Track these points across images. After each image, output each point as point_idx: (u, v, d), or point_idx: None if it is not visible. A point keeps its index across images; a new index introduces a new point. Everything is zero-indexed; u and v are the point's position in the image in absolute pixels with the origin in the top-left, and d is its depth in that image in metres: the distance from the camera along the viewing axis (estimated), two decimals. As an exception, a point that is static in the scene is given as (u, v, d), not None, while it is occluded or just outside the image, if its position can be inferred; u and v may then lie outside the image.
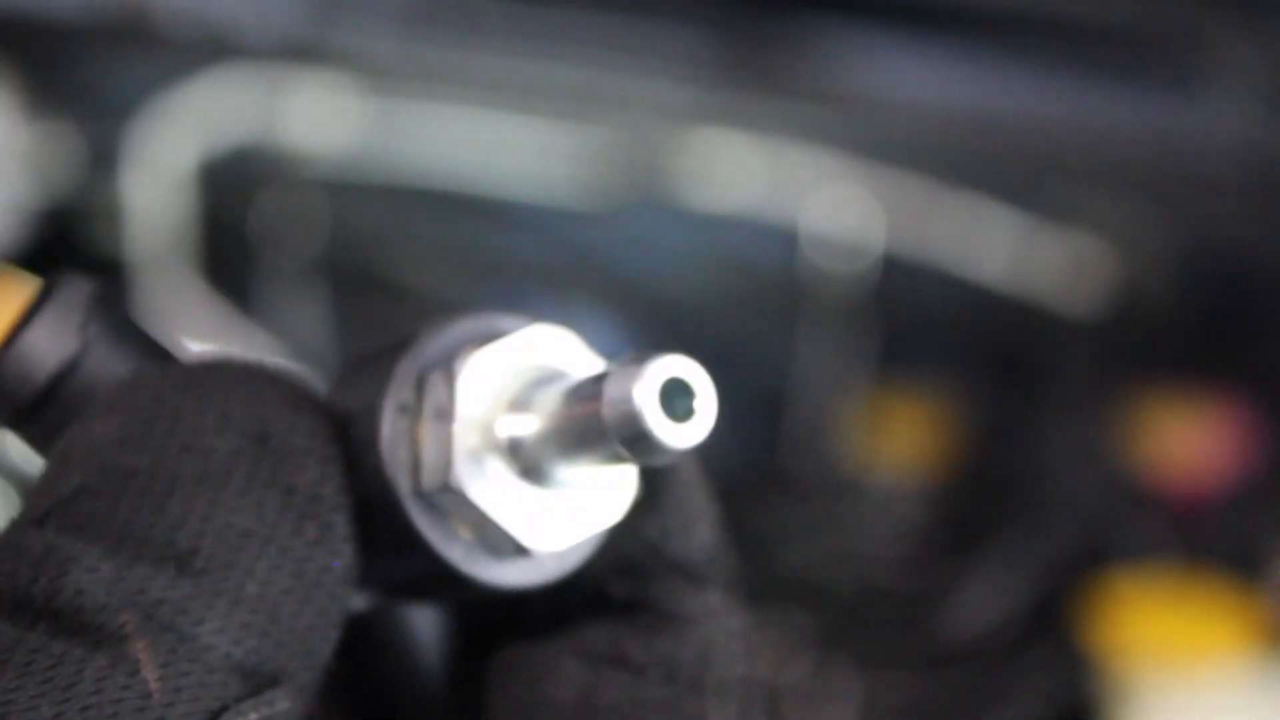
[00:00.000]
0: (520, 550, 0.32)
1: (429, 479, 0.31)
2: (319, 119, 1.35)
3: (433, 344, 0.32)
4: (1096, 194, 1.43)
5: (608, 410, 0.30)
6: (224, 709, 0.28)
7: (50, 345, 0.33)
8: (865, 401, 1.42)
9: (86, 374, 0.33)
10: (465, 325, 0.33)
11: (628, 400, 0.30)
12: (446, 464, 0.31)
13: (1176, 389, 1.39)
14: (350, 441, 0.31)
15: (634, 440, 0.30)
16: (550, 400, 0.32)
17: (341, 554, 0.30)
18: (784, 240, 1.40)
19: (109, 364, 0.33)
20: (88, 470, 0.30)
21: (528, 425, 0.32)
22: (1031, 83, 1.37)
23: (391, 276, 1.36)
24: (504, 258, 1.41)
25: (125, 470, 0.30)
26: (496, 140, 1.40)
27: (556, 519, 0.32)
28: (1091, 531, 1.32)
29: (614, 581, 0.33)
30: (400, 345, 0.32)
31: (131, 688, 0.27)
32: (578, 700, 0.32)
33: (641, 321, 1.41)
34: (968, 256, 1.41)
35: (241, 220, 1.35)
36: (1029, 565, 1.28)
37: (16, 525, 0.30)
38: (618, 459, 0.31)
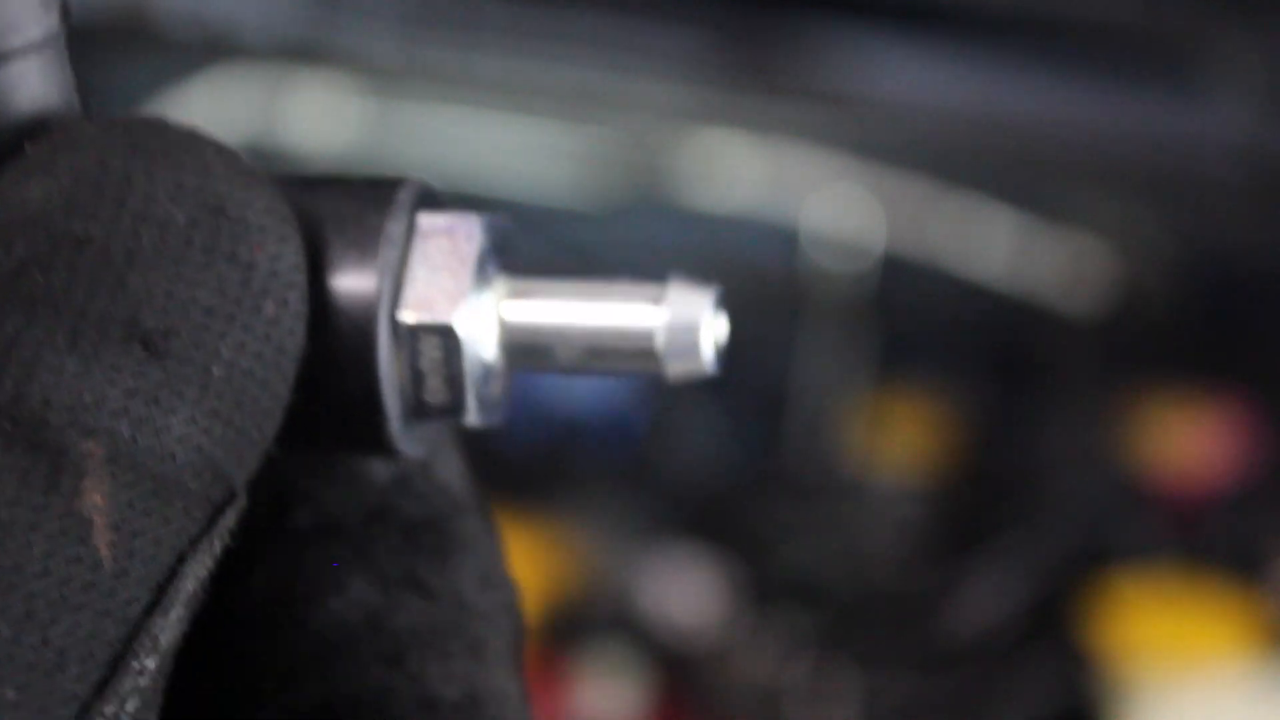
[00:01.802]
0: (456, 419, 0.31)
1: (428, 405, 0.31)
2: (319, 119, 1.35)
3: (409, 201, 0.31)
4: (1096, 194, 1.44)
5: (671, 314, 0.31)
6: (179, 560, 0.27)
7: (15, 15, 0.29)
8: (865, 402, 1.42)
9: (31, 94, 0.29)
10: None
11: (696, 311, 0.31)
12: (457, 403, 0.31)
13: (1176, 389, 1.39)
14: (319, 254, 0.30)
15: (681, 349, 0.31)
16: (580, 293, 0.32)
17: (296, 333, 0.29)
18: (784, 240, 1.40)
19: (45, 93, 0.29)
20: (33, 239, 0.27)
21: (538, 315, 0.32)
22: (1031, 83, 1.37)
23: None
24: (504, 258, 1.41)
25: (76, 239, 0.27)
26: (496, 140, 1.40)
27: (497, 398, 0.32)
28: (1091, 531, 1.32)
29: (398, 495, 0.33)
30: (380, 201, 0.31)
31: (82, 560, 0.25)
32: (368, 622, 0.31)
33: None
34: (968, 256, 1.41)
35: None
36: (1029, 565, 1.28)
37: None
38: (636, 363, 0.31)
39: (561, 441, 1.37)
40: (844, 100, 1.37)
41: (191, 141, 0.29)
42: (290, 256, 0.29)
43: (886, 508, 1.37)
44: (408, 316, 0.30)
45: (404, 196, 0.31)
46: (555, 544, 1.29)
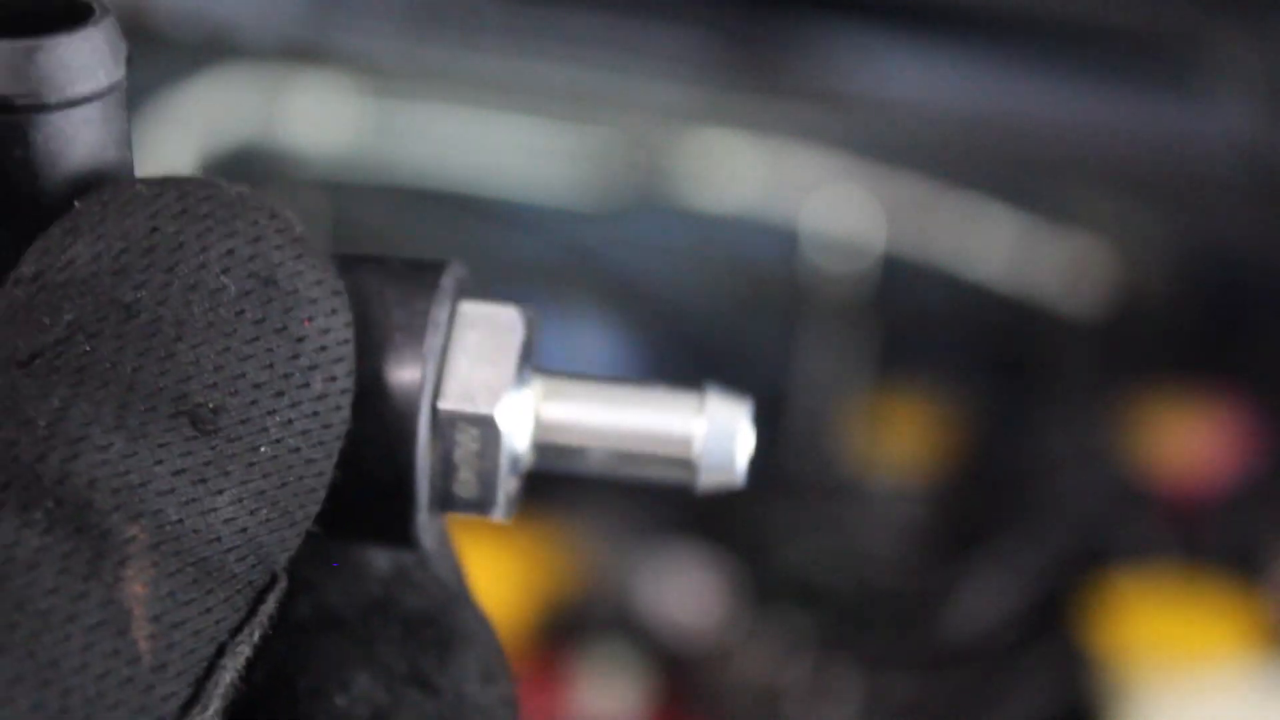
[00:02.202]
0: (482, 514, 0.31)
1: (458, 499, 0.30)
2: (319, 119, 1.35)
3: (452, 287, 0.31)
4: (1096, 194, 1.43)
5: (708, 430, 0.31)
6: (219, 653, 0.26)
7: (90, 61, 0.27)
8: (865, 401, 1.42)
9: (88, 144, 0.28)
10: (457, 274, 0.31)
11: (730, 440, 0.31)
12: (488, 500, 0.30)
13: (1176, 389, 1.39)
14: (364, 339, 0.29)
15: (715, 465, 0.31)
16: (618, 396, 0.31)
17: (343, 409, 0.28)
18: (784, 240, 1.40)
19: (103, 145, 0.28)
20: (79, 305, 0.26)
21: (575, 416, 0.31)
22: (1031, 83, 1.37)
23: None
24: (504, 258, 1.41)
25: (124, 306, 0.26)
26: (496, 140, 1.40)
27: (515, 496, 0.32)
28: (1091, 531, 1.32)
29: (398, 588, 0.32)
30: (427, 287, 0.30)
31: (120, 653, 0.24)
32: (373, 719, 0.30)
33: (641, 321, 1.41)
34: (968, 256, 1.41)
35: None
36: (1029, 565, 1.28)
37: None
38: (666, 471, 0.31)
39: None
40: (844, 100, 1.37)
41: (244, 206, 0.28)
42: (339, 330, 0.28)
43: (886, 508, 1.37)
44: (449, 405, 0.30)
45: (448, 282, 0.31)
46: (555, 544, 1.29)
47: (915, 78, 1.37)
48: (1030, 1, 1.36)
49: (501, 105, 1.39)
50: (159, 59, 1.31)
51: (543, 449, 0.32)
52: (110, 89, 0.28)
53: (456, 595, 0.33)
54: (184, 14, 1.28)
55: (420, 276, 0.31)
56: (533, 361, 0.32)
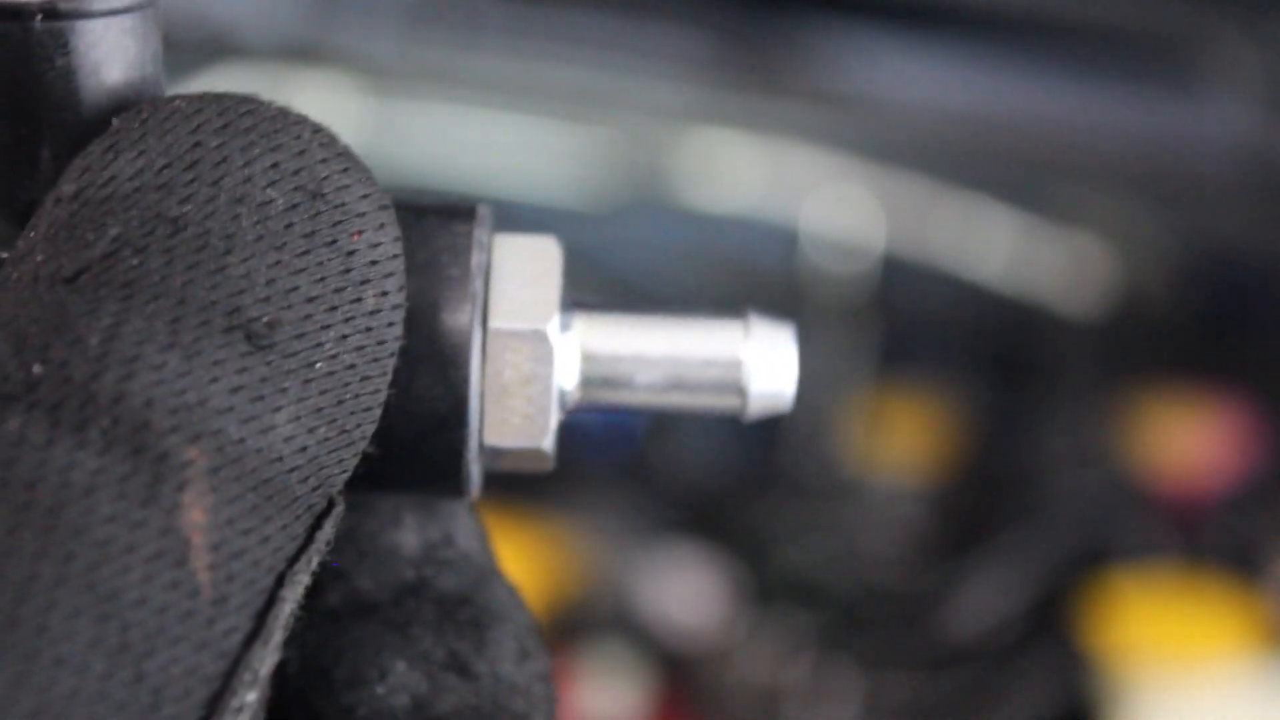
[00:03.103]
0: (541, 460, 0.30)
1: (508, 426, 0.30)
2: (319, 119, 1.34)
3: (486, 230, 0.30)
4: (1096, 194, 1.43)
5: (757, 352, 0.30)
6: (279, 583, 0.25)
7: None
8: (865, 401, 1.42)
9: (126, 59, 0.28)
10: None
11: (782, 349, 0.30)
12: (539, 427, 0.30)
13: (1176, 389, 1.39)
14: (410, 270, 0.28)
15: (766, 386, 0.30)
16: (664, 323, 0.31)
17: (395, 324, 0.27)
18: (784, 240, 1.40)
19: (140, 60, 0.28)
20: (124, 220, 0.25)
21: (621, 343, 0.31)
22: (1031, 83, 1.37)
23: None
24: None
25: (171, 221, 0.25)
26: (496, 140, 1.40)
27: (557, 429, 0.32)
28: (1091, 531, 1.32)
29: (429, 567, 0.32)
30: (463, 222, 0.30)
31: (180, 585, 0.23)
32: (414, 708, 0.30)
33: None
34: (968, 256, 1.41)
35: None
36: (1029, 565, 1.28)
37: (39, 283, 0.25)
38: (717, 399, 0.31)
39: (561, 441, 1.36)
40: (844, 100, 1.37)
41: (286, 120, 0.27)
42: (389, 245, 0.27)
43: (886, 508, 1.37)
44: (501, 323, 0.30)
45: (484, 211, 0.30)
46: (555, 544, 1.29)
47: (915, 78, 1.37)
48: (1030, 1, 1.36)
49: (501, 105, 1.39)
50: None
51: (590, 382, 0.31)
52: (150, 2, 0.28)
53: (486, 571, 0.33)
54: (184, 14, 1.28)
55: (455, 206, 0.30)
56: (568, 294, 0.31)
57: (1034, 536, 1.30)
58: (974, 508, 1.36)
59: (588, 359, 0.31)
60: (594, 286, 1.41)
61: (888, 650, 1.26)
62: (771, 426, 1.41)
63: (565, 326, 0.31)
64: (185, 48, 1.30)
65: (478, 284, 0.29)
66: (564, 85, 1.37)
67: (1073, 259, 1.41)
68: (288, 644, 0.28)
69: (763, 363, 0.31)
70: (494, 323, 0.30)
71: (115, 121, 0.27)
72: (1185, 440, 1.36)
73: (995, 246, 1.40)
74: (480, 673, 0.31)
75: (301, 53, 1.34)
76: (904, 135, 1.40)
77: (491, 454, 0.31)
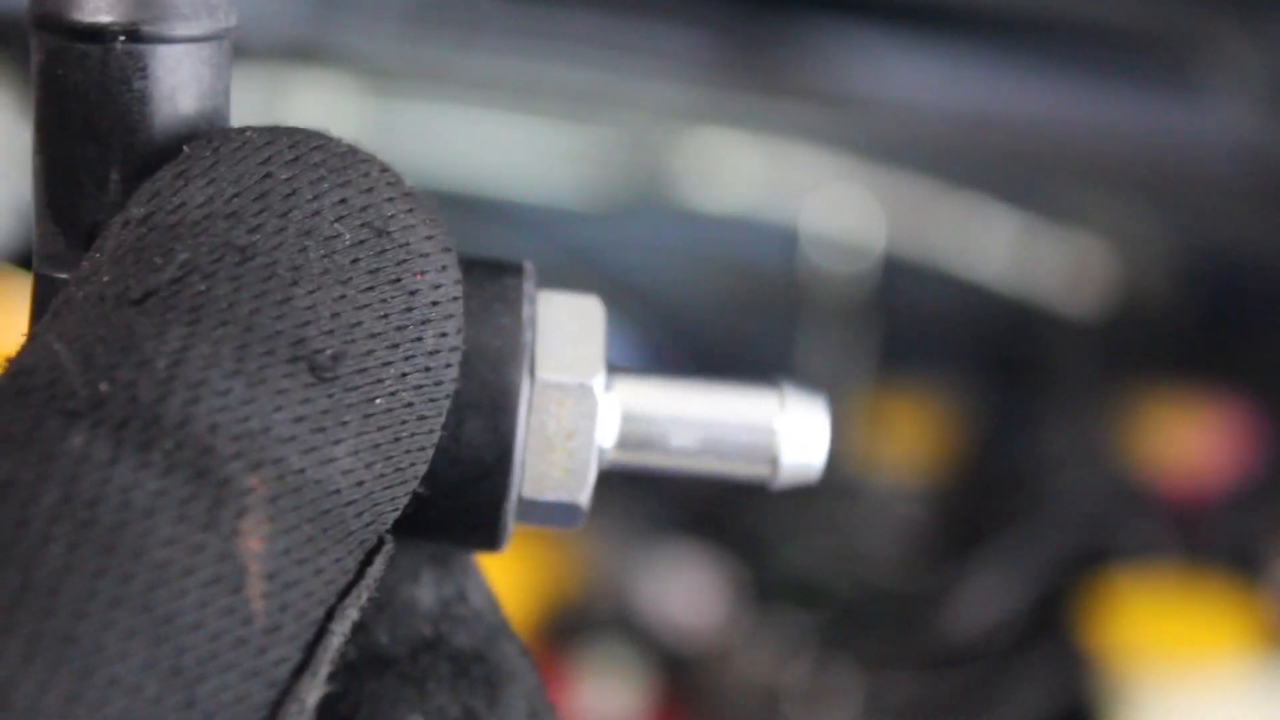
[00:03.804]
0: (574, 516, 0.31)
1: (548, 479, 0.30)
2: (319, 119, 1.34)
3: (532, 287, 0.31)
4: (1096, 194, 1.43)
5: (790, 422, 0.31)
6: (329, 616, 0.25)
7: (214, 0, 0.28)
8: (865, 401, 1.42)
9: (201, 88, 0.28)
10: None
11: (816, 421, 0.31)
12: (579, 480, 0.30)
13: (1176, 389, 1.39)
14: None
15: (798, 456, 0.31)
16: (700, 389, 0.31)
17: (452, 367, 0.27)
18: (784, 240, 1.40)
19: (214, 90, 0.28)
20: (193, 246, 0.25)
21: (659, 404, 0.31)
22: (1031, 83, 1.37)
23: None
24: (504, 258, 1.41)
25: (240, 250, 0.25)
26: (496, 140, 1.40)
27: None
28: (1091, 531, 1.32)
29: (445, 624, 0.32)
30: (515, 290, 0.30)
31: (235, 612, 0.23)
32: None
33: (641, 321, 1.41)
34: (968, 256, 1.41)
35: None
36: (1029, 565, 1.29)
37: (106, 303, 0.25)
38: (748, 466, 0.31)
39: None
40: (844, 100, 1.37)
41: (355, 157, 0.27)
42: (450, 287, 0.27)
43: (886, 508, 1.37)
44: (548, 375, 0.30)
45: (530, 267, 0.31)
46: (556, 544, 1.29)
47: (915, 78, 1.37)
48: (1030, 1, 1.36)
49: (501, 105, 1.39)
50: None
51: (627, 442, 0.31)
52: (226, 32, 0.28)
53: (498, 629, 0.33)
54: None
55: (502, 261, 0.31)
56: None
57: (1034, 536, 1.30)
58: (974, 508, 1.36)
59: (627, 419, 0.31)
60: (594, 286, 1.41)
61: (888, 650, 1.26)
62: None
63: (607, 384, 0.31)
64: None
65: (528, 335, 0.30)
66: (564, 85, 1.37)
67: (1073, 259, 1.41)
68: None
69: (796, 434, 0.31)
70: (541, 375, 0.30)
71: (186, 149, 0.27)
72: (1185, 440, 1.37)
73: (995, 246, 1.40)
74: None
75: (301, 53, 1.34)
76: (904, 135, 1.40)
77: (526, 507, 0.31)
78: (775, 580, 1.30)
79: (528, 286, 0.30)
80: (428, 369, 0.27)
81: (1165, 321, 1.42)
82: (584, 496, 0.30)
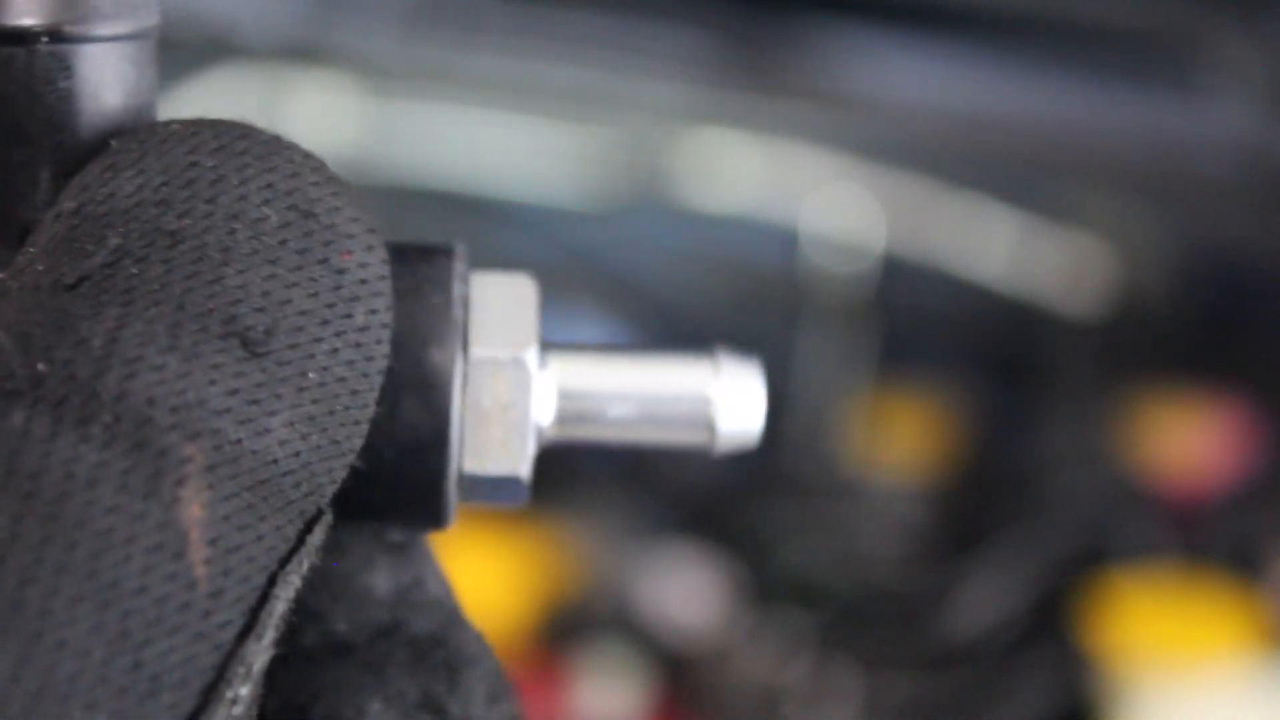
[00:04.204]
0: (517, 490, 0.31)
1: (487, 453, 0.31)
2: (319, 119, 1.35)
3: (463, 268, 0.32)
4: (1096, 194, 1.43)
5: (725, 387, 0.31)
6: (271, 582, 0.26)
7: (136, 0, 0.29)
8: (865, 402, 1.42)
9: (125, 85, 0.29)
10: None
11: (750, 386, 0.32)
12: (518, 453, 0.31)
13: (1176, 389, 1.39)
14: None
15: (734, 422, 0.32)
16: (634, 360, 0.32)
17: (383, 343, 0.28)
18: (784, 240, 1.40)
19: (138, 87, 0.29)
20: (123, 232, 0.26)
21: (594, 380, 0.32)
22: (1031, 83, 1.37)
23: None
24: (504, 258, 1.41)
25: (170, 234, 0.26)
26: (496, 140, 1.40)
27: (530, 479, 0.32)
28: (1091, 531, 1.32)
29: (402, 610, 0.32)
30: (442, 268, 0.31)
31: (178, 577, 0.24)
32: None
33: (641, 321, 1.41)
34: (968, 256, 1.41)
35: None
36: (1029, 565, 1.28)
37: (41, 291, 0.26)
38: (687, 434, 0.32)
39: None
40: (844, 100, 1.37)
41: (279, 144, 0.28)
42: (378, 265, 0.28)
43: (886, 508, 1.37)
44: (481, 351, 0.31)
45: (461, 249, 0.31)
46: (555, 544, 1.29)
47: (915, 78, 1.37)
48: (1030, 1, 1.36)
49: (501, 105, 1.39)
50: (159, 59, 1.31)
51: (565, 418, 0.32)
52: (150, 30, 0.29)
53: (455, 615, 0.33)
54: (184, 14, 1.28)
55: (432, 245, 0.32)
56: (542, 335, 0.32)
57: (1034, 536, 1.30)
58: (974, 508, 1.36)
59: (563, 395, 0.32)
60: (594, 286, 1.41)
61: (888, 650, 1.26)
62: (771, 426, 1.41)
63: (542, 361, 0.32)
64: (185, 48, 1.30)
65: (459, 313, 0.30)
66: (564, 85, 1.37)
67: (1073, 259, 1.41)
68: (268, 687, 0.28)
69: (731, 400, 0.32)
70: (475, 350, 0.31)
71: (114, 143, 0.28)
72: (1185, 440, 1.36)
73: (995, 246, 1.40)
74: (453, 714, 0.31)
75: (301, 53, 1.34)
76: (904, 135, 1.40)
77: (469, 483, 0.32)
78: (775, 580, 1.30)
79: (459, 267, 0.31)
80: (358, 344, 0.28)
81: (1165, 321, 1.42)
82: (524, 468, 0.31)
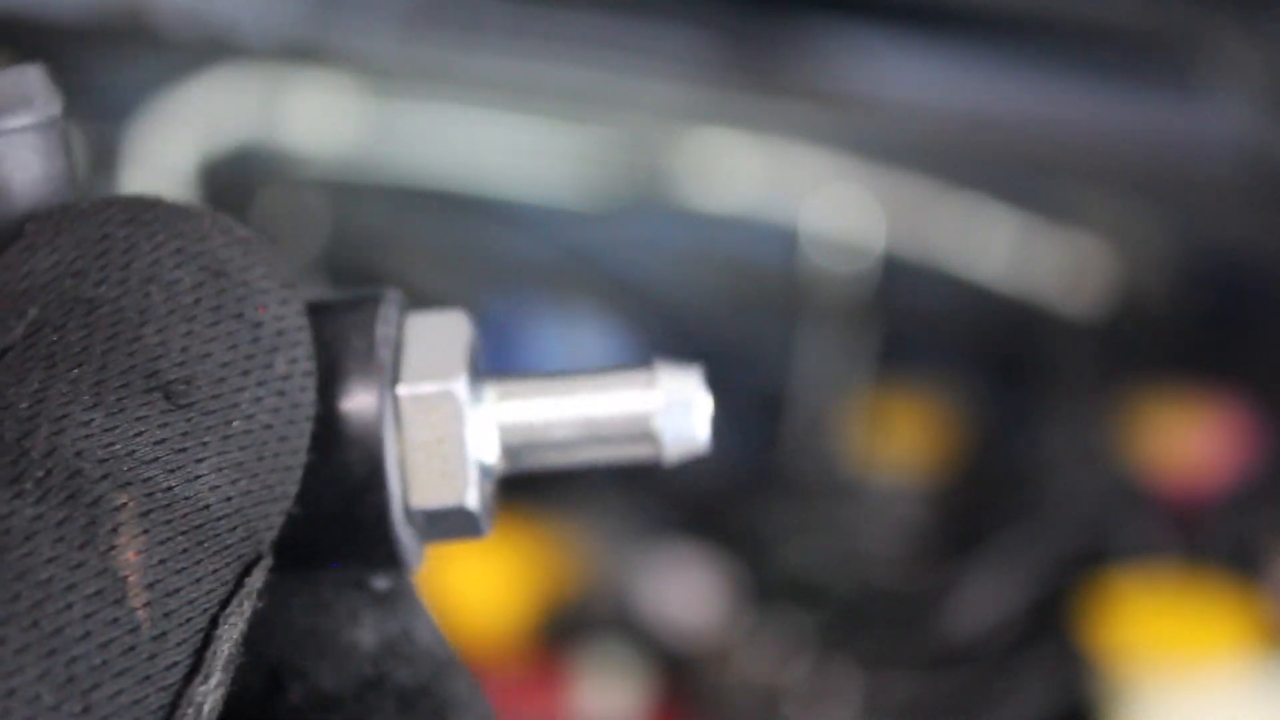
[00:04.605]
0: (470, 521, 0.31)
1: (429, 487, 0.31)
2: (319, 119, 1.35)
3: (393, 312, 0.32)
4: (1096, 194, 1.43)
5: (663, 401, 0.32)
6: (213, 624, 0.27)
7: (32, 92, 0.30)
8: (865, 401, 1.42)
9: (33, 174, 0.30)
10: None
11: (688, 396, 0.32)
12: (459, 484, 0.31)
13: (1176, 389, 1.39)
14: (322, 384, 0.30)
15: (677, 433, 0.32)
16: (573, 382, 0.32)
17: (308, 390, 0.29)
18: (784, 240, 1.40)
19: (48, 175, 0.30)
20: (44, 305, 0.28)
21: (534, 412, 0.32)
22: (1031, 83, 1.37)
23: (391, 276, 1.36)
24: (504, 258, 1.41)
25: (87, 301, 0.28)
26: (496, 140, 1.40)
27: (490, 505, 0.33)
28: (1091, 531, 1.32)
29: (388, 663, 0.33)
30: (367, 316, 0.31)
31: (120, 622, 0.25)
32: None
33: (641, 321, 1.41)
34: (968, 256, 1.41)
35: (241, 220, 1.35)
36: (1029, 565, 1.29)
37: None
38: (634, 449, 0.32)
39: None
40: (844, 100, 1.37)
41: (187, 211, 0.30)
42: (294, 316, 0.29)
43: (886, 508, 1.37)
44: (406, 389, 0.31)
45: (393, 294, 0.32)
46: (555, 544, 1.29)
47: (915, 78, 1.37)
48: (1030, 1, 1.36)
49: (501, 105, 1.39)
50: (159, 59, 1.31)
51: (511, 449, 0.32)
52: (54, 120, 0.30)
53: (446, 664, 0.34)
54: (184, 14, 1.28)
55: (364, 293, 0.32)
56: (481, 368, 0.33)
57: (1034, 536, 1.30)
58: (974, 508, 1.36)
59: (504, 425, 0.32)
60: (594, 286, 1.41)
61: (888, 650, 1.26)
62: (772, 426, 1.41)
63: (478, 395, 0.32)
64: (185, 48, 1.30)
65: (384, 353, 0.31)
66: (564, 85, 1.37)
67: (1073, 259, 1.41)
68: None
69: (672, 411, 0.32)
70: (402, 389, 0.31)
71: (28, 226, 0.29)
72: (1185, 440, 1.36)
73: (995, 246, 1.40)
74: None
75: (301, 53, 1.34)
76: (904, 135, 1.40)
77: (421, 519, 0.32)
78: (775, 580, 1.30)
79: (384, 310, 0.32)
80: (282, 392, 0.29)
81: (1165, 321, 1.42)
82: (469, 498, 0.31)
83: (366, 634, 0.33)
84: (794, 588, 1.30)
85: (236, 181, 1.34)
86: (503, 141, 1.40)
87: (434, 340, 0.32)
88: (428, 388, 0.31)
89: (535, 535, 1.28)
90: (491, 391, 0.32)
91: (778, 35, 1.36)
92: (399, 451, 0.31)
